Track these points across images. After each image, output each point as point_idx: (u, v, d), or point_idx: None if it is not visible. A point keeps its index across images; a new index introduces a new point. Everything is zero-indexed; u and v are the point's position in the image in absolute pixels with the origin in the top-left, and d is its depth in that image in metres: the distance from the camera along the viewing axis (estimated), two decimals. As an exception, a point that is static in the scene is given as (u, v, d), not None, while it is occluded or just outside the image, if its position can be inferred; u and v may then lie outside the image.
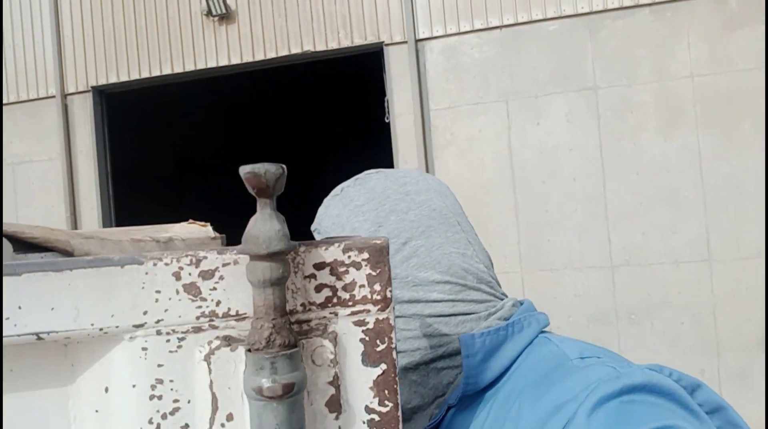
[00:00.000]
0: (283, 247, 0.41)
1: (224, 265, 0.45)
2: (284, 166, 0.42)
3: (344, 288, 0.47)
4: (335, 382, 0.46)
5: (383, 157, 5.44)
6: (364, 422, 0.47)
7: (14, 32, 5.23)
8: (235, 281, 0.45)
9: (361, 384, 0.47)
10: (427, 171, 4.78)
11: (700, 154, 4.41)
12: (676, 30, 4.47)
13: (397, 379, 0.48)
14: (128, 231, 0.85)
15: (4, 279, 0.42)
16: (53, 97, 5.12)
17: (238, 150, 8.30)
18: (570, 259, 4.58)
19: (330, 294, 0.47)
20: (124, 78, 4.98)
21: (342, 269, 0.47)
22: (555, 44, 4.66)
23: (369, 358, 0.48)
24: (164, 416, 0.44)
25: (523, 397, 0.60)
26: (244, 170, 0.40)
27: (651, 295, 4.41)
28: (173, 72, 4.92)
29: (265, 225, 0.41)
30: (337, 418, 0.46)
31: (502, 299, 0.75)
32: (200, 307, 0.45)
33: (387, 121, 4.91)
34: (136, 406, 0.44)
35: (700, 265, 4.41)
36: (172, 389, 0.44)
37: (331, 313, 0.47)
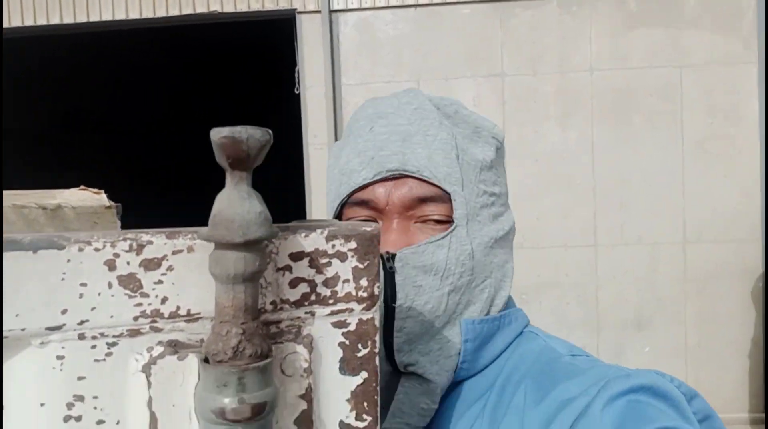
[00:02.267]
0: (264, 234, 0.32)
1: (174, 252, 0.35)
2: (270, 131, 0.32)
3: (325, 283, 0.38)
4: (308, 395, 0.38)
5: (292, 129, 5.26)
6: (337, 441, 0.39)
7: None
8: (187, 273, 0.35)
9: (337, 396, 0.39)
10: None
11: (593, 144, 4.64)
12: (580, 24, 4.64)
13: (378, 389, 0.41)
14: (10, 196, 0.71)
15: None
16: None
17: (134, 111, 7.73)
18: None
19: (307, 290, 0.38)
20: (6, 25, 4.43)
21: (324, 261, 0.38)
22: (467, 28, 4.68)
23: (348, 365, 0.39)
24: (84, 444, 0.34)
25: (523, 391, 0.60)
26: (219, 134, 0.30)
27: (541, 275, 4.60)
28: (62, 22, 4.44)
29: (242, 205, 0.32)
30: (307, 437, 0.38)
31: None
32: (140, 304, 0.34)
33: (297, 92, 4.74)
34: (48, 431, 0.33)
35: (587, 250, 4.66)
36: (95, 408, 0.34)
37: (307, 312, 0.38)
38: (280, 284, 0.37)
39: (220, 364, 0.32)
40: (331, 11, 4.65)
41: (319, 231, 0.38)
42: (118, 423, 0.35)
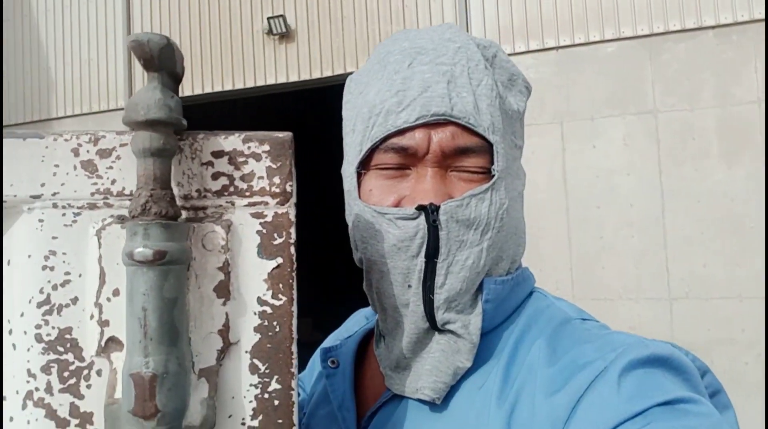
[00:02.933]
0: (163, 116, 0.42)
1: (122, 145, 0.46)
2: (169, 38, 0.43)
3: (242, 178, 0.47)
4: (225, 268, 0.46)
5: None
6: (255, 313, 0.47)
7: (90, 48, 5.61)
8: (131, 162, 0.46)
9: (254, 275, 0.47)
10: (477, 191, 4.73)
11: (765, 183, 4.17)
12: (742, 53, 4.29)
13: (294, 274, 0.48)
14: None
15: None
16: (122, 109, 5.43)
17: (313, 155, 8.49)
18: (625, 289, 4.39)
19: (227, 182, 0.47)
20: (188, 93, 5.23)
21: (241, 159, 0.47)
22: (612, 66, 4.56)
23: (265, 250, 0.47)
24: (55, 287, 0.45)
25: (537, 350, 0.59)
26: (129, 39, 0.42)
27: (711, 330, 4.15)
28: (234, 88, 5.13)
29: (146, 93, 0.42)
30: (224, 304, 0.46)
31: None
32: (96, 184, 0.46)
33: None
34: (30, 276, 0.45)
35: (763, 303, 4.13)
36: (64, 262, 0.45)
37: (227, 202, 0.47)
38: (204, 176, 0.47)
39: (133, 218, 0.42)
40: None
41: (237, 134, 0.47)
42: (80, 276, 0.46)
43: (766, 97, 4.10)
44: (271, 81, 5.03)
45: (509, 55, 4.66)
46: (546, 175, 4.63)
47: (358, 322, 0.81)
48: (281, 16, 4.93)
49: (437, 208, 0.58)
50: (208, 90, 5.20)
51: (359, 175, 0.64)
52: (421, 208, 0.58)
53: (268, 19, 4.94)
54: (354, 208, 0.64)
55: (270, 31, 4.93)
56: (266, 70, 5.07)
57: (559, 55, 4.69)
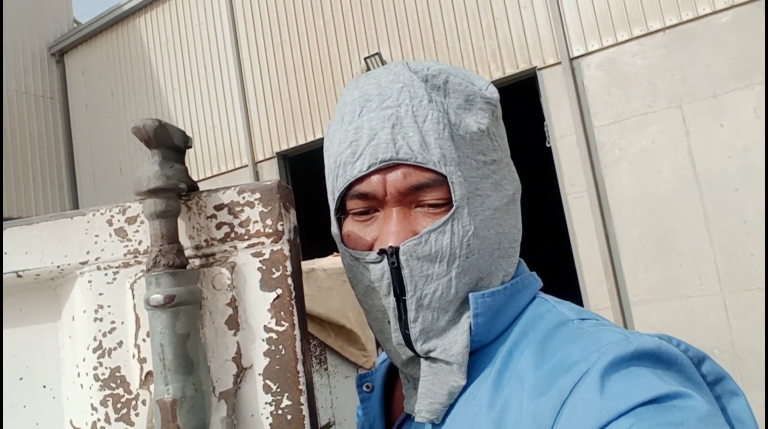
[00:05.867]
0: (161, 184, 0.51)
1: (143, 211, 0.56)
2: (161, 120, 0.51)
3: (240, 224, 0.55)
4: (233, 303, 0.54)
5: (549, 182, 5.27)
6: (263, 339, 0.54)
7: (213, 116, 6.20)
8: (151, 224, 0.55)
9: (259, 307, 0.54)
10: (597, 190, 4.54)
11: None
12: None
13: (293, 302, 0.54)
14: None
15: (-3, 233, 0.57)
16: (246, 166, 5.93)
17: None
18: (782, 275, 3.95)
19: (228, 230, 0.55)
20: (301, 141, 5.58)
21: (238, 208, 0.55)
22: (730, 37, 4.20)
23: (266, 284, 0.54)
24: (104, 334, 0.55)
25: (526, 356, 0.60)
26: (131, 127, 0.51)
27: None
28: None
29: (146, 169, 0.51)
30: (235, 334, 0.54)
31: None
32: (127, 246, 0.56)
33: (548, 145, 4.79)
34: (86, 327, 0.56)
35: None
36: (109, 313, 0.56)
37: (231, 246, 0.55)
38: (210, 227, 0.55)
39: (148, 271, 0.51)
40: (571, 59, 4.67)
41: (233, 188, 0.55)
42: (123, 323, 0.56)
43: None
44: (375, 116, 5.22)
45: (611, 46, 4.47)
46: (671, 164, 4.33)
47: None
48: (377, 54, 5.13)
49: (397, 249, 0.61)
50: (319, 136, 5.51)
51: (339, 221, 0.68)
52: (382, 252, 0.62)
53: (365, 59, 5.17)
54: (341, 251, 0.68)
55: (368, 70, 5.15)
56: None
57: (666, 36, 4.42)
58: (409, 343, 0.62)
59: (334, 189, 0.67)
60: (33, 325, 0.59)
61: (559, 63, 4.72)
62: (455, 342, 0.62)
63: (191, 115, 6.37)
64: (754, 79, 4.13)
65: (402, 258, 0.61)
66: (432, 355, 0.62)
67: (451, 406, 0.63)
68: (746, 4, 4.15)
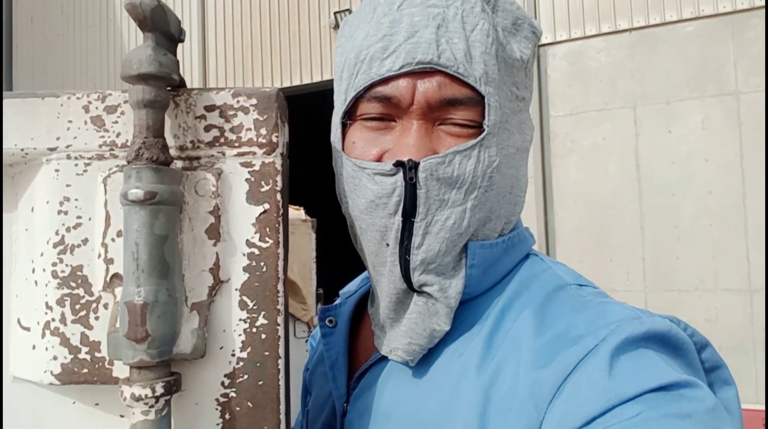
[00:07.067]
0: (153, 71, 0.46)
1: (125, 102, 0.51)
2: (161, 1, 0.47)
3: (231, 130, 0.51)
4: (215, 212, 0.50)
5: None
6: (244, 254, 0.50)
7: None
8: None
9: (243, 219, 0.51)
10: (544, 180, 4.64)
11: None
12: (838, 26, 3.97)
13: (280, 219, 0.51)
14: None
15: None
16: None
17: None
18: (702, 280, 4.18)
19: (218, 134, 0.51)
20: (258, 86, 5.42)
21: (230, 112, 0.51)
22: (691, 47, 4.33)
23: (253, 197, 0.51)
24: (68, 229, 0.51)
25: (524, 319, 0.57)
26: (125, 2, 0.46)
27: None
28: (302, 82, 5.26)
29: (140, 50, 0.47)
30: (215, 244, 0.50)
31: None
32: (103, 137, 0.51)
33: (504, 128, 4.82)
34: (48, 220, 0.51)
35: None
36: (76, 207, 0.51)
37: (218, 152, 0.51)
38: (197, 128, 0.51)
39: (128, 164, 0.47)
40: (538, 46, 4.70)
41: (227, 89, 0.51)
42: (90, 219, 0.51)
43: None
44: (337, 74, 5.13)
45: (578, 39, 4.53)
46: (618, 162, 4.47)
47: (360, 281, 0.77)
48: (347, 10, 5.01)
49: (416, 164, 0.55)
50: (276, 84, 5.36)
51: (344, 126, 0.61)
52: (399, 164, 0.55)
53: (335, 13, 5.04)
54: (338, 160, 0.62)
55: (337, 26, 5.02)
56: (333, 64, 5.18)
57: (632, 36, 4.51)
58: (406, 271, 0.57)
59: (348, 87, 0.59)
60: (-18, 213, 0.54)
61: (527, 48, 4.74)
62: (452, 284, 0.58)
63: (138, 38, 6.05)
64: (706, 92, 4.29)
65: (421, 175, 0.55)
66: (426, 289, 0.57)
67: (435, 359, 0.60)
68: (711, 18, 4.28)
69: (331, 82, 5.20)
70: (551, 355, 0.51)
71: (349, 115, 0.61)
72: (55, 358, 0.50)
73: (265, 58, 5.44)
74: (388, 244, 0.58)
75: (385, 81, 0.56)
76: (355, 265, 0.68)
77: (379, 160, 0.58)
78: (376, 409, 0.61)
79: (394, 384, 0.61)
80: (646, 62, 4.44)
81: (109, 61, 6.24)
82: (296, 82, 5.31)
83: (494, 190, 0.58)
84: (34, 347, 0.51)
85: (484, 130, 0.56)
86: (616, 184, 4.46)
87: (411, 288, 0.58)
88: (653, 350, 0.50)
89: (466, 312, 0.60)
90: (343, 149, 0.61)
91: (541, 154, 4.64)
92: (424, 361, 0.60)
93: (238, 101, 0.51)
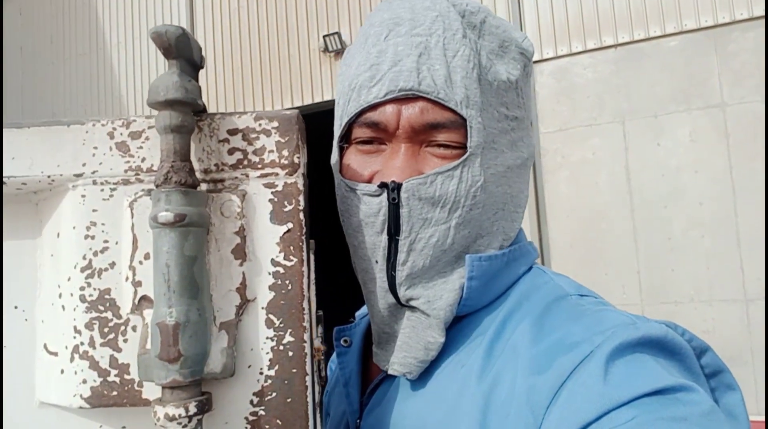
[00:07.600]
0: (180, 97, 0.48)
1: (150, 127, 0.52)
2: (185, 28, 0.48)
3: (254, 152, 0.52)
4: (241, 232, 0.51)
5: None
6: (269, 273, 0.51)
7: (159, 71, 5.95)
8: (158, 142, 0.52)
9: (268, 239, 0.52)
10: (537, 196, 4.68)
11: None
12: (817, 37, 4.06)
13: (303, 238, 0.52)
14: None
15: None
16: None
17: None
18: (697, 291, 4.21)
19: (241, 156, 0.52)
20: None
21: (253, 135, 0.52)
22: (676, 61, 4.42)
23: (276, 216, 0.52)
24: (95, 253, 0.51)
25: (522, 328, 0.58)
26: (150, 31, 0.48)
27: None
28: (293, 105, 5.30)
29: (164, 78, 0.48)
30: (241, 264, 0.51)
31: None
32: (128, 162, 0.52)
33: (495, 145, 4.87)
34: (75, 245, 0.52)
35: None
36: (103, 231, 0.52)
37: (242, 174, 0.52)
38: (221, 152, 0.52)
39: (157, 187, 0.48)
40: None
41: (249, 113, 0.53)
42: (117, 243, 0.52)
43: None
44: (328, 98, 5.17)
45: (565, 56, 4.60)
46: (608, 177, 4.52)
47: None
48: (336, 33, 5.07)
49: (399, 185, 0.58)
50: (268, 107, 5.40)
51: (342, 150, 0.65)
52: (383, 186, 0.59)
53: (324, 37, 5.09)
54: (336, 181, 0.65)
55: (326, 49, 5.08)
56: (323, 86, 5.22)
57: (617, 52, 4.59)
58: (393, 286, 0.60)
59: (343, 114, 0.64)
60: (9, 241, 0.55)
61: (515, 66, 4.81)
62: (441, 296, 0.60)
63: (135, 72, 6.08)
64: (692, 104, 4.36)
65: (403, 195, 0.58)
66: (413, 303, 0.60)
67: (439, 371, 0.61)
68: (694, 32, 4.37)
69: (321, 104, 5.25)
70: (548, 362, 0.52)
71: (346, 139, 0.64)
72: (84, 381, 0.50)
73: (256, 83, 5.48)
74: (377, 261, 0.61)
75: (373, 107, 0.60)
76: (355, 287, 0.69)
77: (369, 181, 0.61)
78: (386, 422, 0.63)
79: (401, 398, 0.63)
80: (633, 77, 4.52)
81: (100, 89, 6.26)
82: (287, 105, 5.34)
83: (480, 208, 0.61)
84: (62, 371, 0.51)
85: (466, 151, 0.59)
86: (607, 199, 4.51)
87: (399, 303, 0.61)
88: (649, 355, 0.50)
89: (469, 324, 0.62)
90: (340, 171, 0.64)
91: (533, 171, 4.68)
92: (429, 373, 0.61)
93: (260, 124, 0.52)
